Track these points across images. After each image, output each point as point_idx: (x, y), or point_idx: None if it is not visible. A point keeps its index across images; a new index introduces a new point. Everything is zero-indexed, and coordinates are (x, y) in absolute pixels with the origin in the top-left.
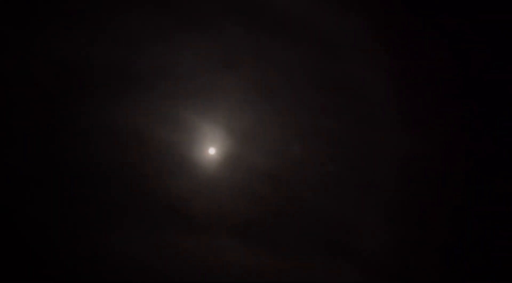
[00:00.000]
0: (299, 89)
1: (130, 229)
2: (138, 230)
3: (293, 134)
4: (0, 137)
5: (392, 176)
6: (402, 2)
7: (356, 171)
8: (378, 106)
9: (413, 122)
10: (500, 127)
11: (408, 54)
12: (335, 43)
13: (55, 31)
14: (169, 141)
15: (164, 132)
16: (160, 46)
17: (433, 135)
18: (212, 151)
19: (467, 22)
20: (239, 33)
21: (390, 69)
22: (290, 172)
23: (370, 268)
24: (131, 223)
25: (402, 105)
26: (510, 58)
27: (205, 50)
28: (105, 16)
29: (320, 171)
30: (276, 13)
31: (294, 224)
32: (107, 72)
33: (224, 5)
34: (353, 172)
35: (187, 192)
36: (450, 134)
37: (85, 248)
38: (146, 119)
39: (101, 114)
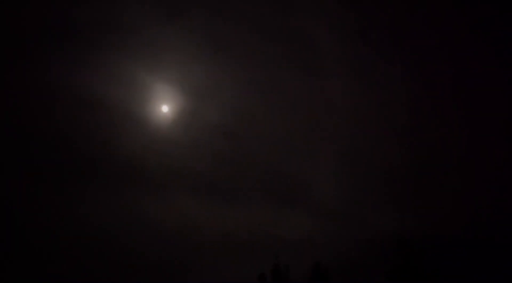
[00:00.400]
0: (251, 42)
1: (85, 189)
2: (93, 190)
3: (245, 87)
4: None
5: (343, 127)
6: None
7: (309, 123)
8: (329, 58)
9: (362, 73)
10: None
11: (359, 9)
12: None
13: None
14: (119, 99)
15: (113, 90)
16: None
17: (381, 85)
18: (164, 108)
19: None
20: None
21: (339, 22)
22: (243, 125)
23: (320, 215)
24: (86, 184)
25: (351, 56)
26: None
27: (152, 1)
28: None
29: (272, 125)
30: None
31: (248, 177)
32: (50, 29)
33: None
34: (306, 124)
35: (141, 150)
36: (395, 83)
37: (39, 213)
38: (94, 77)
39: (47, 74)
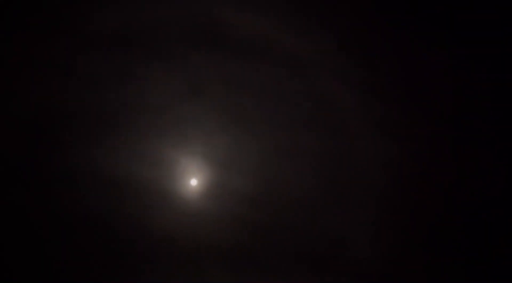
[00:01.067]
0: (270, 109)
1: (119, 271)
2: (128, 272)
3: (270, 154)
4: None
5: (374, 183)
6: (365, 16)
7: (338, 183)
8: (350, 116)
9: (387, 127)
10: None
11: (372, 65)
12: (300, 60)
13: (25, 80)
14: (148, 178)
15: (141, 169)
16: (126, 84)
17: (409, 137)
18: (192, 182)
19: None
20: (203, 60)
21: (356, 80)
22: (271, 192)
23: (363, 278)
24: (121, 266)
25: (373, 112)
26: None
27: (171, 82)
28: (70, 61)
29: (301, 188)
30: (237, 36)
31: (281, 244)
32: (78, 116)
33: (183, 34)
34: (335, 184)
35: (173, 225)
36: (426, 133)
37: None
38: (121, 158)
39: (78, 158)
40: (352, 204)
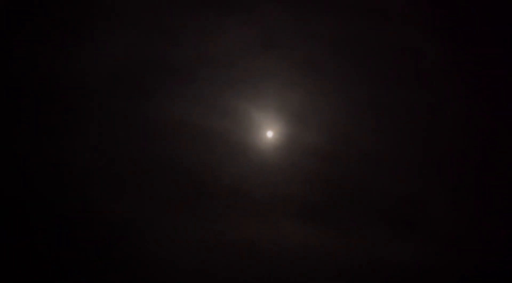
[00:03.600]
0: (346, 61)
1: (193, 218)
2: (201, 218)
3: (345, 108)
4: (65, 135)
5: (450, 143)
6: None
7: (413, 141)
8: (433, 71)
9: (473, 83)
10: None
11: (459, 16)
12: (379, 11)
13: (101, 35)
14: (222, 129)
15: (215, 121)
16: (199, 35)
17: (497, 94)
18: (264, 135)
19: None
20: (277, 11)
21: (443, 35)
22: (345, 147)
23: (435, 240)
24: (195, 212)
25: (459, 66)
26: None
27: (244, 33)
28: (142, 14)
29: (374, 145)
30: None
31: (353, 200)
32: (152, 68)
33: None
34: (410, 142)
35: (246, 177)
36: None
37: (151, 238)
38: (197, 109)
39: (155, 109)
40: (429, 163)
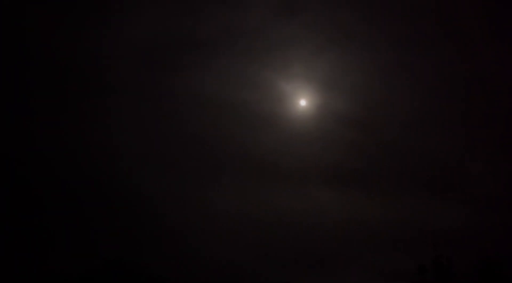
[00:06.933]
0: (372, 24)
1: (228, 186)
2: (236, 186)
3: (373, 73)
4: (99, 114)
5: (490, 103)
6: None
7: (450, 103)
8: (471, 35)
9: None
10: None
11: None
12: None
13: (126, 15)
14: (253, 101)
15: (245, 93)
16: (224, 7)
17: None
18: (296, 105)
19: None
20: None
21: None
22: (378, 113)
23: (478, 203)
24: (230, 181)
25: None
26: None
27: (268, 2)
28: None
29: (408, 108)
30: None
31: (389, 166)
32: (180, 43)
33: None
34: (446, 104)
35: (279, 146)
36: None
37: (187, 210)
38: (226, 83)
39: (184, 84)
40: (468, 125)
